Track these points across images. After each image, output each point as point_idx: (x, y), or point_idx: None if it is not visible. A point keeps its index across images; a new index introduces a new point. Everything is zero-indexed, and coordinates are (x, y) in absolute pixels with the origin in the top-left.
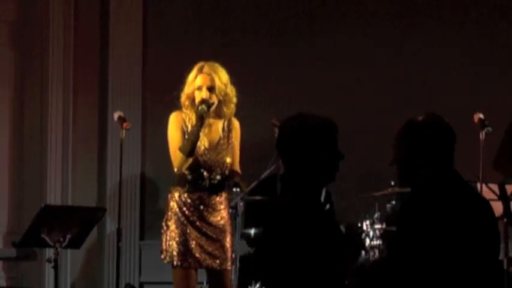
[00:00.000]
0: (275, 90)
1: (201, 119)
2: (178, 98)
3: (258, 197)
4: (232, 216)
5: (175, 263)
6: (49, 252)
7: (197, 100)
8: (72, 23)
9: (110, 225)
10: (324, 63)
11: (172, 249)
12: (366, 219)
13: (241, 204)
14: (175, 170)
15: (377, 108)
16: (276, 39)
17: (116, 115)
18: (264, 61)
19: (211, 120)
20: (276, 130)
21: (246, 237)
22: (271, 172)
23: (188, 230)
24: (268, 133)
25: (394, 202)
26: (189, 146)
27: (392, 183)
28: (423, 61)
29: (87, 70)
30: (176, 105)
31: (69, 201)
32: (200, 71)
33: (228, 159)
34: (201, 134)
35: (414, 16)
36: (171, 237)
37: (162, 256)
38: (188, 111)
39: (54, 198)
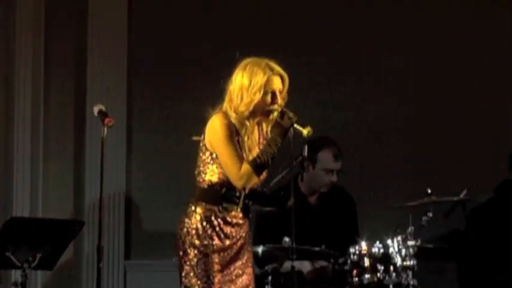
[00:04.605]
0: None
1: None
2: (221, 99)
3: (269, 208)
4: None
5: None
6: (16, 275)
7: (276, 110)
8: None
9: (89, 242)
10: (336, 65)
11: (192, 285)
12: (397, 234)
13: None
14: (239, 187)
15: (409, 109)
16: (283, 36)
17: (95, 109)
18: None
19: (250, 128)
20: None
21: (254, 256)
22: (283, 177)
23: (211, 260)
24: None
25: (431, 214)
26: (269, 162)
27: (429, 190)
28: (453, 61)
29: (61, 52)
30: (175, 100)
31: (40, 213)
32: (271, 70)
33: (265, 173)
34: (247, 142)
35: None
36: (190, 269)
37: None
38: (247, 122)
39: (21, 210)
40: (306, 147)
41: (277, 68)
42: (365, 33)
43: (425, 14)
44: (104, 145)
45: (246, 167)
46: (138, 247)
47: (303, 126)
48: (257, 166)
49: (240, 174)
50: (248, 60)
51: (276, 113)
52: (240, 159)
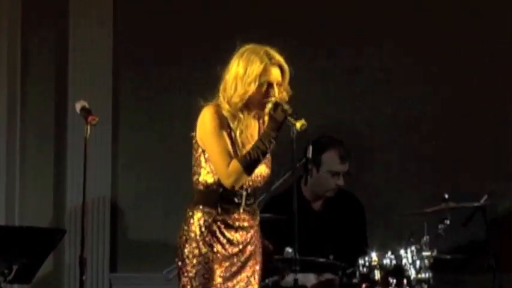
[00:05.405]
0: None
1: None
2: (216, 91)
3: (267, 215)
4: None
5: None
6: None
7: (270, 101)
8: None
9: (70, 253)
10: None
11: None
12: (411, 244)
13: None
14: (228, 186)
15: (409, 109)
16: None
17: (78, 106)
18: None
19: (244, 122)
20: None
21: None
22: (284, 181)
23: (212, 272)
24: (284, 135)
25: (448, 222)
26: (260, 158)
27: (447, 196)
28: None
29: (40, 44)
30: (167, 96)
31: (16, 220)
32: (269, 59)
33: (268, 170)
34: (240, 137)
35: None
36: (188, 281)
37: None
38: (241, 114)
39: None
40: (311, 148)
41: (277, 57)
42: (365, 33)
43: (425, 14)
44: (87, 145)
45: (235, 164)
46: (125, 258)
47: (297, 119)
48: (247, 164)
49: (228, 172)
50: (247, 46)
51: (270, 105)
52: (229, 155)
